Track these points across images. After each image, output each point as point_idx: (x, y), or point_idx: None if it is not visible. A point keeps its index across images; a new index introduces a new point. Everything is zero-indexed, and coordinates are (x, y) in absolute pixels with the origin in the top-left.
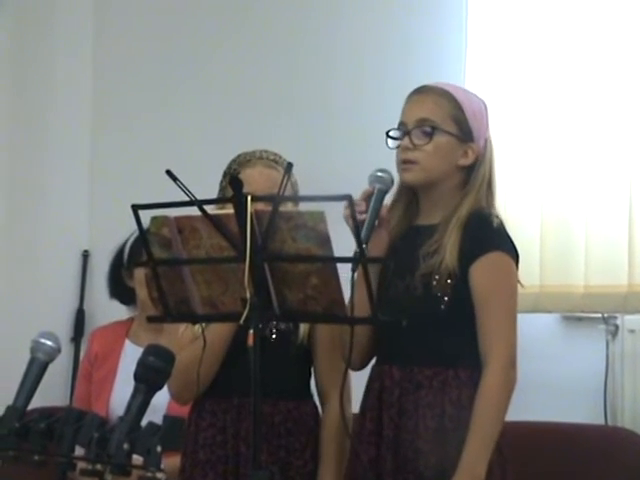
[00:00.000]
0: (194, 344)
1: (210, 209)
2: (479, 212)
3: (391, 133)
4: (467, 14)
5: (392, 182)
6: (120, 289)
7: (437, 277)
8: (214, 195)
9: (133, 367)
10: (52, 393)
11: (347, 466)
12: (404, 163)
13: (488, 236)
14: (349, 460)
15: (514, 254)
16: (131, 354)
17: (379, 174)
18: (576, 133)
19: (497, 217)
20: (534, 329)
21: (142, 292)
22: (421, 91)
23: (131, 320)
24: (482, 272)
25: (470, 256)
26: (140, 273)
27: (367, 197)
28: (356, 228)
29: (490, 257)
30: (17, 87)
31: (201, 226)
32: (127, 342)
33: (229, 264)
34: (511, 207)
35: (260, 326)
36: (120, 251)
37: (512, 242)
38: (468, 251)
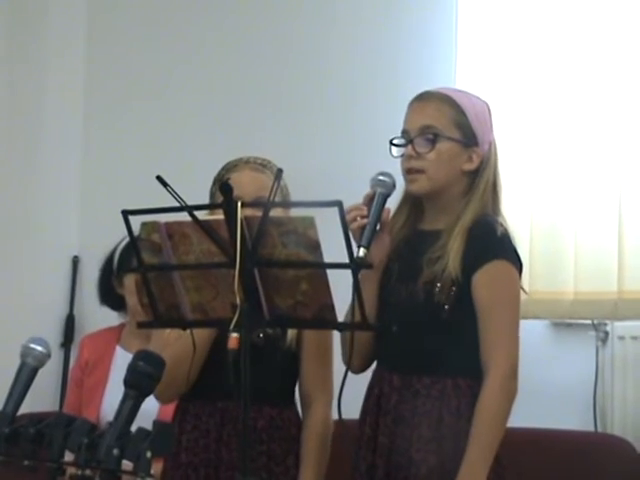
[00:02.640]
0: (177, 343)
1: (200, 215)
2: (484, 219)
3: (395, 141)
4: (457, 16)
5: (394, 186)
6: (110, 296)
7: (439, 285)
8: (204, 201)
9: (123, 374)
10: (42, 398)
11: (350, 472)
12: (409, 173)
13: (491, 244)
14: (351, 466)
15: (517, 263)
16: (122, 361)
17: (380, 178)
18: (566, 140)
19: (502, 225)
20: (524, 335)
21: (132, 299)
22: (422, 97)
23: (122, 326)
24: (485, 281)
25: (473, 264)
26: (129, 281)
27: (369, 201)
28: (346, 234)
29: (493, 266)
30: (8, 92)
31: (191, 232)
32: (118, 349)
33: (219, 270)
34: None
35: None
36: (110, 258)
37: (516, 250)
38: (471, 259)
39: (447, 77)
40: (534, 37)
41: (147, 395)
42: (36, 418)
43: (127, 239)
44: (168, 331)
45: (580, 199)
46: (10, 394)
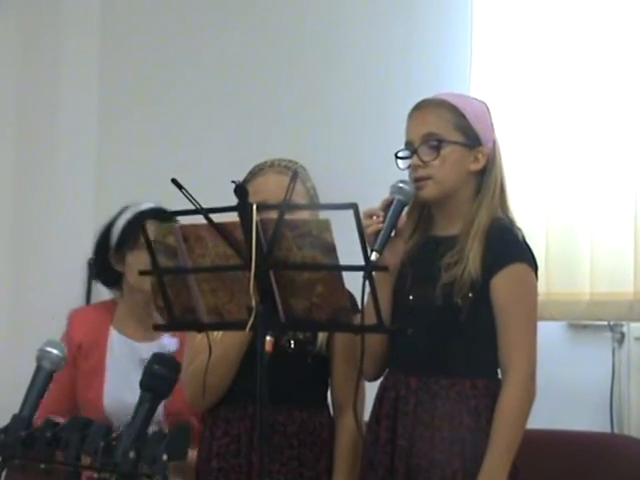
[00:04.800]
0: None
1: (217, 218)
2: (500, 222)
3: (400, 154)
4: (472, 19)
5: (413, 195)
6: (107, 272)
7: (458, 287)
8: (219, 203)
9: (121, 359)
10: None
11: (361, 476)
12: (417, 181)
13: (511, 248)
14: (363, 470)
15: (534, 266)
16: (118, 345)
17: (400, 185)
18: (582, 141)
19: (519, 229)
20: (540, 337)
21: (132, 277)
22: (421, 106)
23: (113, 304)
24: (505, 284)
25: (493, 267)
26: (135, 258)
27: (386, 207)
28: (362, 237)
29: (513, 269)
30: (23, 95)
31: (206, 234)
32: (113, 331)
33: (235, 272)
34: (516, 214)
35: (277, 335)
36: (106, 232)
37: (532, 254)
38: (491, 262)
39: (462, 83)
40: (549, 39)
41: (163, 398)
42: (52, 421)
43: (126, 213)
44: (199, 338)
45: (595, 200)
46: (26, 397)
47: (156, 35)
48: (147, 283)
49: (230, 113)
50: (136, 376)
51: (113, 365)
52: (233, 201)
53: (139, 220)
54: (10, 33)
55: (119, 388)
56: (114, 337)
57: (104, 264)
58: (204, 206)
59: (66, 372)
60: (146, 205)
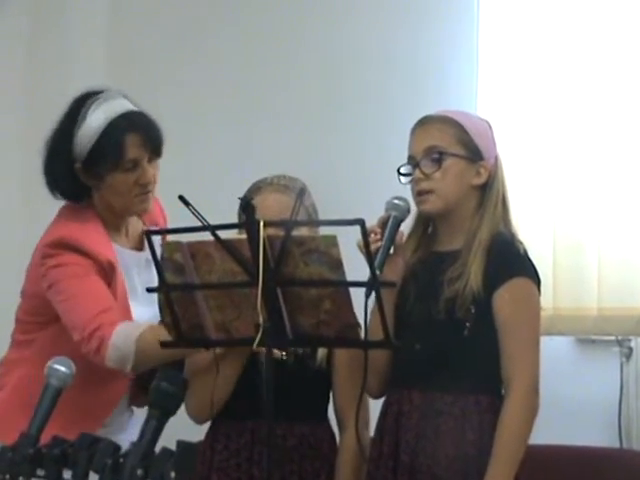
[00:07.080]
0: (211, 369)
1: (225, 234)
2: (502, 236)
3: (402, 169)
4: (478, 37)
5: (408, 211)
6: (72, 185)
7: (461, 302)
8: (226, 220)
9: (136, 276)
10: None
11: None
12: (420, 195)
13: (513, 262)
14: None
15: (537, 280)
16: (129, 259)
17: (395, 202)
18: (589, 156)
19: (521, 243)
20: (548, 352)
21: (117, 201)
22: (423, 122)
23: (90, 210)
24: (507, 298)
25: (495, 281)
26: (121, 180)
27: (383, 224)
28: (368, 252)
29: (515, 283)
30: (30, 93)
31: (214, 251)
32: (116, 247)
33: (242, 289)
34: (524, 229)
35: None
36: (69, 134)
37: (535, 268)
38: (493, 276)
39: (468, 96)
40: (556, 54)
41: (170, 415)
42: (60, 439)
43: (95, 114)
44: (201, 356)
45: (603, 215)
46: (34, 415)
47: (159, 41)
48: (137, 203)
49: (232, 128)
50: (141, 279)
51: (132, 285)
52: (234, 217)
53: (119, 133)
54: (18, 31)
55: (144, 309)
56: (120, 254)
57: (69, 176)
58: (211, 223)
59: (107, 290)
60: (118, 106)
